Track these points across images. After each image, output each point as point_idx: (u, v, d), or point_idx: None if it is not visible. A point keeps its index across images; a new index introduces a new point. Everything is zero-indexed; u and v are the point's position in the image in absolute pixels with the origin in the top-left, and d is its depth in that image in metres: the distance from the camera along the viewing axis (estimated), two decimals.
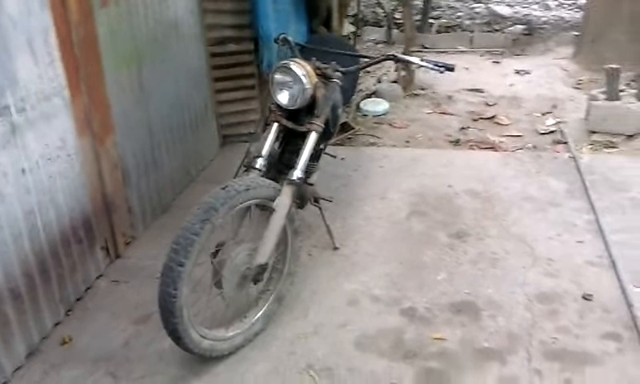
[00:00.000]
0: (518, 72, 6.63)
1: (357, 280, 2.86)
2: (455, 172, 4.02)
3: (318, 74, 2.49)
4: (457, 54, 7.63)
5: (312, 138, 2.47)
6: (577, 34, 7.33)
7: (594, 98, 4.80)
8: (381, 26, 8.47)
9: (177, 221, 3.54)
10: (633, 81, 5.27)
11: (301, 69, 2.42)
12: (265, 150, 2.53)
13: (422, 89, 6.00)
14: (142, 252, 3.20)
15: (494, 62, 7.20)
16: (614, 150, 4.42)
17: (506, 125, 5.19)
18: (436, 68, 2.40)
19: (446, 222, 3.36)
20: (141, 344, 2.51)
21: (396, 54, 2.57)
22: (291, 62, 2.44)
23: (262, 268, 2.31)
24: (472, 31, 8.07)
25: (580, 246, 3.08)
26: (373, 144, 4.74)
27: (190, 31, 3.96)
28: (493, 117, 5.33)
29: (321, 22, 5.25)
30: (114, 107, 3.04)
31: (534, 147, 4.62)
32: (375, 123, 5.21)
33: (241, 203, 2.22)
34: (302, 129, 2.52)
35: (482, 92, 5.99)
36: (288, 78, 2.45)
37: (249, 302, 2.48)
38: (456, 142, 4.80)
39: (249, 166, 2.77)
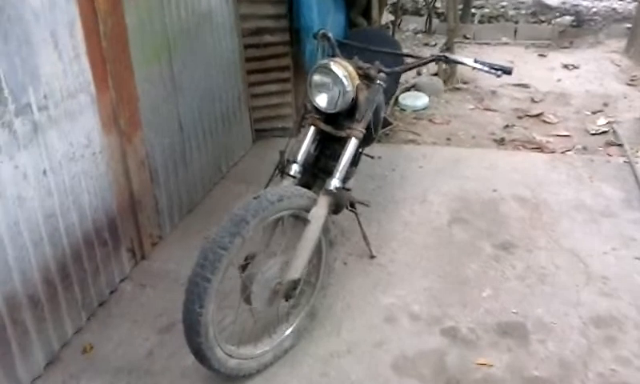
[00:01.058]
0: (565, 66, 6.29)
1: (394, 294, 2.68)
2: (500, 175, 3.78)
3: (359, 75, 2.29)
4: (500, 46, 7.32)
5: (352, 144, 2.28)
6: (630, 26, 6.93)
7: None
8: (421, 15, 8.19)
9: (205, 221, 3.48)
10: None
11: (341, 69, 2.22)
12: (300, 156, 2.35)
13: (464, 83, 5.73)
14: (168, 254, 3.07)
15: (539, 55, 6.87)
16: None
17: (554, 123, 4.91)
18: (492, 71, 2.17)
19: (491, 231, 3.14)
20: (164, 356, 2.38)
21: (447, 55, 2.34)
22: (331, 62, 2.25)
23: (295, 284, 2.14)
24: (516, 22, 7.73)
25: (639, 263, 2.82)
26: (411, 141, 4.52)
27: (223, 21, 3.79)
28: (539, 114, 5.04)
29: (359, 11, 5.03)
30: (143, 102, 2.90)
31: (584, 149, 4.34)
32: (414, 119, 4.98)
33: (273, 215, 2.05)
34: (342, 134, 2.33)
35: (528, 87, 5.70)
36: (327, 79, 2.26)
37: (279, 316, 2.32)
38: (500, 141, 4.55)
39: (283, 172, 2.61)
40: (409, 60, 2.57)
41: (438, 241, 3.08)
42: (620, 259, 2.85)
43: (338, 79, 2.22)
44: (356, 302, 2.63)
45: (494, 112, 5.18)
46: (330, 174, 2.54)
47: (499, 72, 2.17)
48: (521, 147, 4.44)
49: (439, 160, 4.04)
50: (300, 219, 2.21)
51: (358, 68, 2.32)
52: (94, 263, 2.58)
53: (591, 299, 2.59)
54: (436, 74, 5.73)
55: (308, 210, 2.17)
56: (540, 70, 6.23)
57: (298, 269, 2.12)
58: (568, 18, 7.50)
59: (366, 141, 2.39)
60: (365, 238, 2.93)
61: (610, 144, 4.36)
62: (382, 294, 2.68)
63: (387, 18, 6.23)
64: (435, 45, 7.17)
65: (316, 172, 2.54)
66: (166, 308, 2.64)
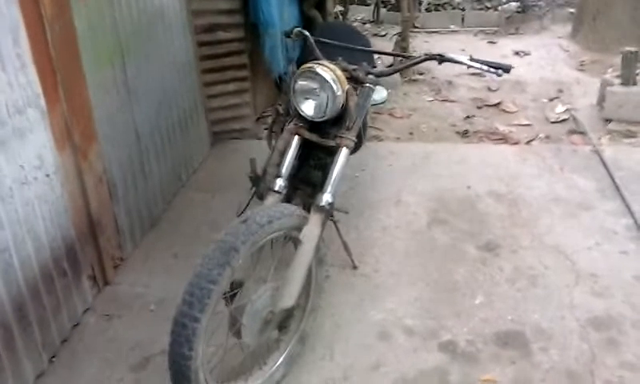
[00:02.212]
0: (517, 53, 6.31)
1: (384, 307, 2.52)
2: (472, 170, 3.69)
3: (347, 77, 2.10)
4: (449, 34, 7.29)
5: (343, 154, 2.09)
6: (573, 11, 7.03)
7: (608, 83, 4.50)
8: (367, 5, 8.06)
9: (169, 237, 3.22)
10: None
11: (329, 73, 2.03)
12: (284, 169, 2.15)
13: (420, 74, 5.63)
14: (132, 276, 2.81)
15: (489, 42, 6.87)
16: (634, 139, 4.14)
17: (513, 112, 4.88)
18: (492, 71, 2.04)
19: (473, 232, 3.04)
20: None
21: (442, 54, 2.17)
22: (316, 65, 2.05)
23: (289, 312, 1.95)
24: (463, 9, 7.71)
25: (625, 257, 2.78)
26: (375, 137, 4.37)
27: (175, 19, 3.52)
28: (498, 104, 5.01)
29: (312, 3, 4.85)
30: (97, 112, 2.63)
31: (548, 138, 4.32)
32: (375, 113, 4.83)
33: (264, 239, 1.85)
34: (331, 143, 2.14)
35: (483, 76, 5.65)
36: (314, 85, 2.06)
37: (269, 345, 2.12)
38: (464, 134, 4.47)
39: (256, 183, 2.42)
40: (397, 60, 2.40)
41: (420, 245, 2.95)
42: (606, 255, 2.80)
43: (325, 84, 2.03)
44: (346, 320, 2.46)
45: (453, 103, 5.11)
46: (311, 185, 2.37)
47: (499, 71, 2.03)
48: (485, 139, 4.39)
49: (408, 157, 3.91)
50: (290, 239, 2.02)
51: (343, 69, 2.13)
52: (53, 297, 2.30)
53: (585, 300, 2.52)
54: (391, 65, 5.60)
55: (299, 230, 1.98)
56: (492, 58, 6.19)
57: (291, 295, 1.93)
58: (514, 5, 7.53)
59: (354, 148, 2.21)
60: (346, 247, 2.76)
61: (572, 132, 4.36)
62: (371, 309, 2.52)
63: (336, 8, 6.08)
64: (385, 35, 7.05)
65: (296, 183, 2.35)
66: (137, 340, 2.40)
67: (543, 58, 6.09)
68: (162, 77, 3.32)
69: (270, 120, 4.32)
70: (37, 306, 2.20)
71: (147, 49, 3.13)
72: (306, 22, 4.74)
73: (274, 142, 3.02)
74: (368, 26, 7.62)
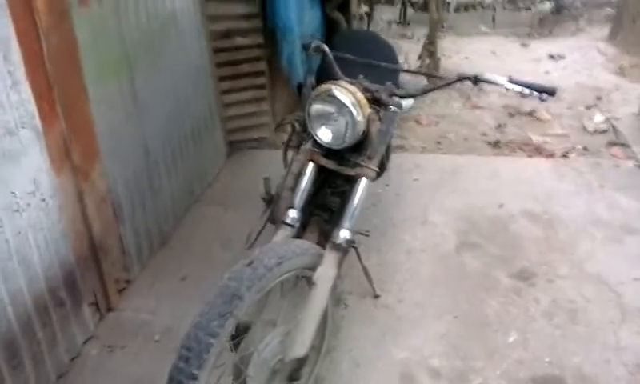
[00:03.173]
0: (551, 56, 6.01)
1: (407, 344, 2.30)
2: (504, 186, 3.43)
3: (368, 99, 1.88)
4: (479, 36, 7.00)
5: (363, 185, 1.87)
6: (612, 11, 6.69)
7: None
8: (394, 5, 7.80)
9: (180, 256, 3.02)
10: None
11: (348, 96, 1.80)
12: (298, 199, 1.93)
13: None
14: (138, 301, 2.64)
15: (522, 44, 6.57)
16: None
17: (548, 121, 4.60)
18: (535, 94, 1.80)
19: (505, 257, 2.79)
20: None
21: (477, 75, 1.94)
22: (334, 87, 1.83)
23: (300, 361, 1.74)
24: (494, 9, 7.40)
25: None
26: (401, 147, 4.13)
27: (189, 25, 3.34)
28: (531, 111, 4.72)
29: (335, 5, 4.62)
30: (100, 128, 2.45)
31: (585, 149, 4.04)
32: (400, 120, 4.58)
33: (272, 282, 1.64)
34: (349, 172, 1.92)
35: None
36: (331, 109, 1.84)
37: None
38: (495, 144, 4.21)
39: (270, 203, 2.21)
40: (427, 81, 2.16)
41: (447, 272, 2.72)
42: None
43: (344, 108, 1.81)
44: (365, 358, 2.24)
45: (483, 110, 4.84)
46: (328, 210, 2.16)
47: (544, 95, 1.79)
48: (518, 150, 4.12)
49: (435, 170, 3.67)
50: (303, 278, 1.81)
51: (365, 90, 1.91)
52: (49, 331, 2.14)
53: (632, 341, 2.26)
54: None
55: (313, 269, 1.77)
56: (525, 62, 5.92)
57: (304, 343, 1.71)
58: (548, 5, 7.22)
59: (376, 176, 1.99)
60: (366, 273, 2.53)
61: (612, 144, 4.06)
62: (393, 346, 2.30)
63: (362, 8, 5.85)
64: (412, 37, 6.80)
65: (312, 209, 2.14)
66: (141, 375, 2.22)
67: (579, 62, 5.78)
68: (174, 86, 3.14)
69: (286, 134, 4.19)
70: (29, 341, 2.03)
71: (158, 57, 2.96)
72: (329, 25, 4.53)
73: (289, 159, 2.84)
74: (395, 26, 7.36)
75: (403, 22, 7.38)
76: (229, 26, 3.70)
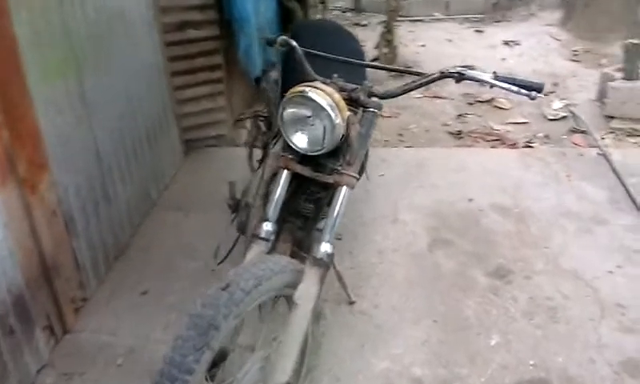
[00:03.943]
0: (506, 43, 6.01)
1: (387, 354, 2.20)
2: (471, 179, 3.37)
3: (345, 99, 1.74)
4: (434, 23, 6.97)
5: (343, 194, 1.74)
6: None
7: (609, 78, 4.22)
8: None
9: (138, 267, 2.81)
10: None
11: (325, 97, 1.66)
12: (272, 211, 1.78)
13: (407, 68, 5.28)
14: (97, 320, 2.44)
15: (476, 31, 6.57)
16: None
17: (508, 109, 4.60)
18: (523, 92, 1.71)
19: (479, 254, 2.73)
20: None
21: (461, 71, 1.83)
22: (309, 89, 1.68)
23: None
24: None
25: None
26: None
27: (140, 17, 3.12)
28: (490, 100, 4.70)
29: None
30: (48, 134, 2.24)
31: (547, 138, 4.05)
32: None
33: (250, 306, 1.50)
34: (328, 179, 1.79)
35: (473, 69, 5.32)
36: (306, 112, 1.69)
37: None
38: (457, 135, 4.17)
39: (236, 210, 2.08)
40: (409, 78, 2.02)
41: (422, 272, 2.63)
42: (630, 280, 2.52)
43: (322, 112, 1.66)
44: (345, 371, 2.13)
45: (444, 99, 4.80)
46: (302, 217, 2.02)
47: (532, 93, 1.70)
48: (480, 140, 4.08)
49: (400, 165, 3.58)
50: (282, 297, 1.68)
51: (340, 89, 1.77)
52: None
53: (614, 338, 2.22)
54: (376, 60, 5.26)
55: (293, 287, 1.63)
56: (481, 49, 5.91)
57: (286, 369, 1.58)
58: None
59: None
60: (340, 278, 2.41)
61: (573, 131, 4.08)
62: (373, 356, 2.19)
63: None
64: (367, 24, 6.69)
65: (284, 215, 2.00)
66: None
67: (534, 48, 5.81)
68: (125, 84, 2.93)
69: (245, 130, 4.02)
70: None
71: (107, 53, 2.74)
72: (285, 14, 4.36)
73: (255, 162, 2.68)
74: (349, 14, 7.24)
75: (356, 8, 7.25)
76: (182, 17, 3.49)
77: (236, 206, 2.38)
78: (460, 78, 1.78)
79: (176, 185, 3.47)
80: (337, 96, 1.68)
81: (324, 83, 1.75)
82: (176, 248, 2.87)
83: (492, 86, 1.75)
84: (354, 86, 1.81)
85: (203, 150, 3.83)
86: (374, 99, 1.82)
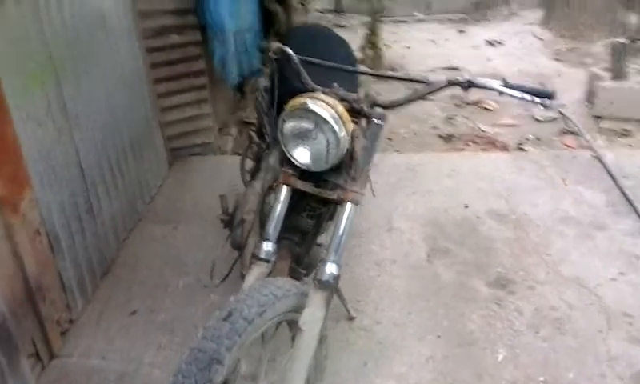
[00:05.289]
0: (490, 43, 5.98)
1: (391, 372, 2.11)
2: (465, 185, 3.30)
3: (347, 110, 1.64)
4: (415, 23, 6.92)
5: (349, 212, 1.64)
6: None
7: (597, 78, 4.20)
8: None
9: (126, 285, 2.68)
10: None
11: (328, 109, 1.56)
12: (272, 230, 1.68)
13: (392, 69, 5.23)
14: (85, 343, 2.32)
15: (458, 31, 6.53)
16: (631, 139, 3.85)
17: (495, 110, 4.56)
18: (537, 100, 1.61)
19: (479, 264, 2.66)
20: None
21: (470, 80, 1.74)
22: (310, 100, 1.58)
23: None
24: None
25: None
26: None
27: (119, 23, 2.99)
28: (478, 101, 4.65)
29: None
30: (28, 149, 2.11)
31: (538, 139, 4.00)
32: None
33: (254, 334, 1.39)
34: (331, 195, 1.69)
35: (458, 69, 5.31)
36: (308, 125, 1.59)
37: None
38: (447, 138, 4.10)
39: (229, 225, 1.97)
40: (415, 86, 1.92)
41: (422, 284, 2.55)
42: (633, 287, 2.47)
43: (325, 125, 1.56)
44: None
45: (431, 101, 4.72)
46: (300, 232, 1.93)
47: (546, 101, 1.61)
48: (471, 143, 4.03)
49: (392, 171, 3.49)
50: (285, 322, 1.58)
51: (341, 100, 1.66)
52: None
53: (623, 349, 2.17)
54: (362, 62, 5.18)
55: (297, 311, 1.54)
56: (465, 49, 5.87)
57: None
58: None
59: None
60: (340, 295, 2.32)
61: (564, 132, 4.04)
62: (376, 375, 2.10)
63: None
64: (350, 26, 6.61)
65: (281, 231, 1.90)
66: None
67: (518, 48, 5.79)
68: (106, 92, 2.80)
69: (230, 137, 3.90)
70: None
71: (87, 61, 2.61)
72: (266, 18, 4.23)
73: (248, 176, 2.57)
74: (330, 16, 7.16)
75: (337, 9, 7.17)
76: (162, 22, 3.36)
77: (229, 221, 2.28)
78: (469, 86, 1.70)
79: (162, 196, 3.34)
80: (340, 108, 1.58)
81: (324, 93, 1.64)
82: (165, 263, 2.75)
83: (501, 93, 1.66)
84: (355, 95, 1.72)
85: (189, 158, 3.71)
86: (378, 109, 1.72)
